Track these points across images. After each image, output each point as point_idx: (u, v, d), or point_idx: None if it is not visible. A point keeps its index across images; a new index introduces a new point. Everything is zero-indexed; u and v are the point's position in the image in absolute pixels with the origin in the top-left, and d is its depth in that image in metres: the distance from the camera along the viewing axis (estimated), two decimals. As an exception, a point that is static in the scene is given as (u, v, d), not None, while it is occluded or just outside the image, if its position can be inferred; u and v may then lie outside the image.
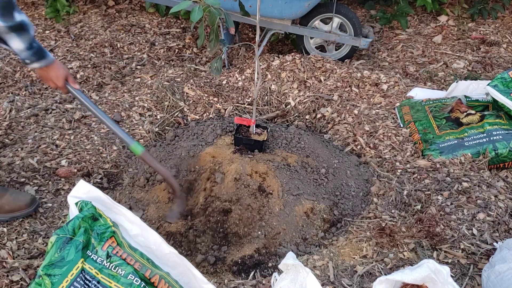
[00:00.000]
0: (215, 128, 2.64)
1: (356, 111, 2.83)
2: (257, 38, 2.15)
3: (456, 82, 2.87)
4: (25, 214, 2.08)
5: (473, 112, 2.60)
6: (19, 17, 1.64)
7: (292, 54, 3.28)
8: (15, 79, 3.13)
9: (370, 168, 2.47)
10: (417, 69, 3.41)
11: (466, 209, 2.11)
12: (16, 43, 1.68)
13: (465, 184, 2.24)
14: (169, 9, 3.92)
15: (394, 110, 2.83)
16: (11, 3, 1.61)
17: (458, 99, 2.68)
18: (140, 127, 2.73)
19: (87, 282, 1.40)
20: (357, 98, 2.95)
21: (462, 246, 1.96)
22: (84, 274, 1.40)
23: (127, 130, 2.70)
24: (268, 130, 2.49)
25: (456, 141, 2.47)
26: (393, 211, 2.15)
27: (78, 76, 3.22)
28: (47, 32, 3.71)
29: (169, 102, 2.93)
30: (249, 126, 2.44)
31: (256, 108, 2.94)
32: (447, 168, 2.35)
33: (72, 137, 2.60)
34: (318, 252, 2.01)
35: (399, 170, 2.39)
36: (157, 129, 2.76)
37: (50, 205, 2.19)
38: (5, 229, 2.00)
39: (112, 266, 1.42)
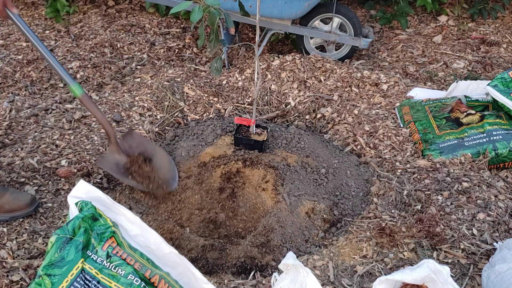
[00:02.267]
0: (215, 128, 2.64)
1: (356, 111, 2.83)
2: (257, 38, 2.15)
3: (456, 82, 2.87)
4: (25, 214, 2.07)
5: (473, 112, 2.60)
6: None
7: (292, 54, 3.28)
8: (15, 79, 3.13)
9: (370, 168, 2.47)
10: (417, 69, 3.41)
11: (466, 209, 2.11)
12: None
13: (465, 184, 2.24)
14: (169, 9, 3.93)
15: (394, 110, 2.83)
16: None
17: (458, 99, 2.68)
18: (140, 127, 2.73)
19: (87, 282, 1.40)
20: (357, 98, 2.95)
21: (462, 246, 1.96)
22: (84, 274, 1.40)
23: (127, 130, 2.70)
24: (268, 130, 2.49)
25: (456, 141, 2.47)
26: (393, 211, 2.15)
27: (78, 76, 3.22)
28: (47, 32, 3.71)
29: (169, 102, 2.93)
30: (249, 126, 2.44)
31: (256, 108, 2.94)
32: (447, 168, 2.35)
33: (72, 137, 2.60)
34: (318, 252, 2.01)
35: (399, 170, 2.39)
36: (157, 129, 2.76)
37: (50, 205, 2.19)
38: (5, 229, 2.00)
39: (112, 266, 1.42)
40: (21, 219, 2.07)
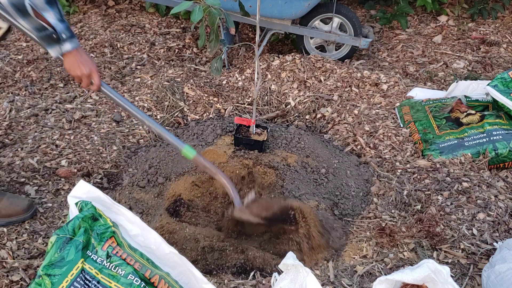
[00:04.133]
0: (215, 128, 2.64)
1: (356, 111, 2.83)
2: (257, 38, 2.15)
3: (456, 82, 2.87)
4: (22, 219, 2.04)
5: (473, 112, 2.60)
6: None
7: (292, 54, 3.28)
8: (15, 79, 3.13)
9: (370, 168, 2.47)
10: (417, 69, 3.41)
11: (466, 209, 2.11)
12: (51, 14, 1.56)
13: (465, 184, 2.24)
14: (169, 9, 3.93)
15: (394, 110, 2.83)
16: None
17: (458, 99, 2.68)
18: (140, 127, 2.73)
19: (87, 282, 1.40)
20: (357, 98, 2.95)
21: (462, 246, 1.96)
22: (84, 274, 1.40)
23: (127, 130, 2.70)
24: (268, 130, 2.49)
25: (456, 141, 2.47)
26: (393, 211, 2.15)
27: (78, 76, 3.22)
28: (47, 32, 3.70)
29: (169, 102, 2.93)
30: (249, 126, 2.44)
31: (256, 108, 2.94)
32: (447, 168, 2.35)
33: (72, 137, 2.60)
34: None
35: (399, 170, 2.39)
36: (157, 129, 2.76)
37: (50, 205, 2.19)
38: (5, 229, 2.00)
39: (112, 266, 1.42)
40: (21, 219, 2.08)
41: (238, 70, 3.21)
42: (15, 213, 2.02)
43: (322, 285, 1.77)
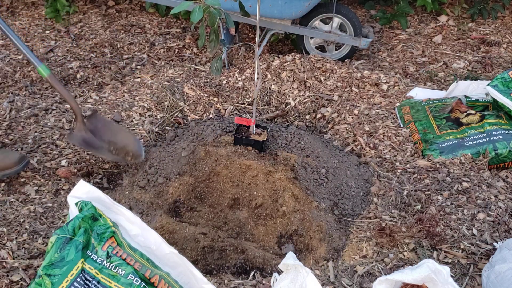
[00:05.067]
0: (215, 128, 2.64)
1: (356, 111, 2.83)
2: (257, 38, 2.15)
3: (456, 82, 2.87)
4: (15, 171, 2.18)
5: (473, 112, 2.60)
6: None
7: (292, 54, 3.28)
8: (15, 79, 3.13)
9: (370, 168, 2.47)
10: (417, 69, 3.41)
11: (466, 209, 2.11)
12: None
13: (465, 184, 2.24)
14: (169, 9, 3.92)
15: (394, 110, 2.83)
16: None
17: (458, 99, 2.69)
18: (140, 127, 2.73)
19: (87, 282, 1.40)
20: (357, 98, 2.95)
21: (462, 246, 1.96)
22: (84, 274, 1.40)
23: (127, 130, 2.70)
24: (268, 130, 2.49)
25: (456, 141, 2.47)
26: (393, 211, 2.15)
27: (78, 76, 3.22)
28: (47, 32, 3.71)
29: (169, 102, 2.93)
30: (249, 126, 2.44)
31: (256, 108, 2.94)
32: (447, 168, 2.35)
33: (72, 137, 2.60)
34: (318, 252, 2.01)
35: (399, 170, 2.39)
36: (157, 129, 2.77)
37: (50, 205, 2.19)
38: (5, 229, 2.01)
39: (112, 266, 1.42)
40: (21, 220, 2.08)
41: (238, 70, 3.21)
42: (8, 166, 2.17)
43: (322, 285, 1.77)
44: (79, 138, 2.23)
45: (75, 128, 2.25)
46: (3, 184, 2.28)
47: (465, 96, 2.71)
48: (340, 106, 2.89)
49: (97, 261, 1.42)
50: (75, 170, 2.39)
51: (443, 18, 4.08)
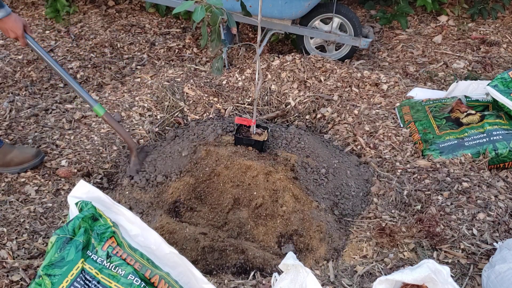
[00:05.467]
0: (216, 128, 2.64)
1: (356, 111, 2.83)
2: (259, 38, 2.15)
3: (456, 82, 2.87)
4: (32, 164, 2.34)
5: (473, 112, 2.60)
6: None
7: (292, 54, 3.28)
8: (15, 79, 3.13)
9: (370, 168, 2.47)
10: (417, 69, 3.41)
11: (466, 209, 2.11)
12: None
13: (465, 184, 2.24)
14: (169, 9, 3.93)
15: (394, 110, 2.83)
16: None
17: (458, 99, 2.69)
18: (140, 127, 2.73)
19: (87, 282, 1.40)
20: (357, 98, 2.95)
21: (462, 246, 1.96)
22: (84, 274, 1.40)
23: (127, 130, 2.70)
24: (269, 130, 2.49)
25: (456, 141, 2.47)
26: (393, 211, 2.15)
27: (78, 76, 3.22)
28: (47, 32, 3.71)
29: (169, 102, 2.93)
30: (249, 126, 2.44)
31: (256, 108, 2.94)
32: (447, 168, 2.35)
33: (72, 137, 2.60)
34: (318, 252, 2.01)
35: (399, 170, 2.39)
36: (157, 129, 2.77)
37: (50, 205, 2.19)
38: (5, 229, 2.01)
39: (112, 266, 1.42)
40: (21, 220, 2.08)
41: (238, 70, 3.21)
42: (26, 160, 2.33)
43: (322, 285, 1.77)
44: (135, 171, 2.38)
45: (131, 162, 2.40)
46: (3, 184, 2.28)
47: (465, 96, 2.71)
48: (340, 106, 2.89)
49: (97, 261, 1.42)
50: (75, 170, 2.39)
51: (443, 18, 4.08)
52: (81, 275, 1.40)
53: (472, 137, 2.46)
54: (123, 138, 2.41)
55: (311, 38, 3.37)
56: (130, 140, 2.40)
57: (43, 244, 1.97)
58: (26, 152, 2.34)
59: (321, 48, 3.47)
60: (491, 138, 2.42)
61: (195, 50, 3.61)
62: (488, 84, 2.61)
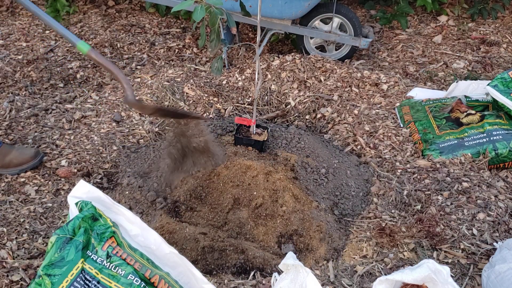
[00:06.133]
0: (216, 128, 2.64)
1: (356, 111, 2.83)
2: (258, 38, 2.15)
3: (456, 82, 2.87)
4: (31, 165, 2.33)
5: (473, 112, 2.60)
6: None
7: (292, 54, 3.28)
8: (15, 79, 3.13)
9: (370, 168, 2.47)
10: (417, 69, 3.41)
11: (466, 209, 2.11)
12: None
13: (465, 184, 2.24)
14: (169, 9, 3.93)
15: (394, 110, 2.83)
16: None
17: (458, 99, 2.69)
18: (140, 127, 2.73)
19: (87, 282, 1.40)
20: (357, 98, 2.95)
21: (462, 246, 1.96)
22: (84, 274, 1.40)
23: (127, 130, 2.70)
24: (269, 130, 2.49)
25: (456, 141, 2.47)
26: (393, 211, 2.15)
27: (78, 76, 3.22)
28: (47, 32, 3.71)
29: (169, 102, 2.93)
30: (249, 126, 2.44)
31: (256, 108, 2.94)
32: (447, 168, 2.35)
33: (72, 137, 2.60)
34: (318, 252, 2.01)
35: (399, 170, 2.39)
36: (157, 129, 2.77)
37: (50, 205, 2.19)
38: (5, 229, 2.01)
39: (112, 266, 1.42)
40: (21, 220, 2.08)
41: (238, 70, 3.21)
42: (25, 160, 2.32)
43: (322, 285, 1.77)
44: (133, 100, 2.11)
45: (126, 93, 2.11)
46: (3, 184, 2.28)
47: (465, 96, 2.71)
48: (340, 106, 2.89)
49: (97, 261, 1.42)
50: (75, 170, 2.39)
51: (443, 18, 4.08)
52: (81, 275, 1.40)
53: (472, 137, 2.46)
54: (114, 75, 2.10)
55: (311, 38, 3.38)
56: (122, 76, 2.08)
57: (43, 244, 1.97)
58: (25, 153, 2.34)
59: (321, 48, 3.47)
60: (491, 138, 2.42)
61: (195, 50, 3.61)
62: (488, 84, 2.62)
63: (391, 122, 2.72)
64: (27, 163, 2.33)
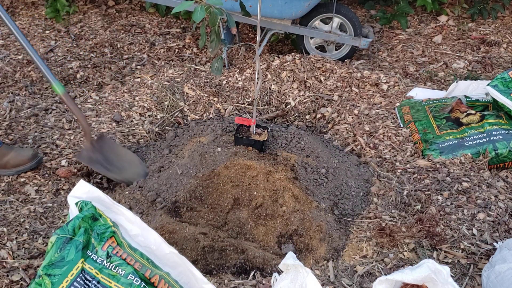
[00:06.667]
0: (215, 128, 2.64)
1: (356, 111, 2.83)
2: (258, 38, 2.15)
3: (456, 82, 2.87)
4: (28, 167, 2.32)
5: (473, 112, 2.60)
6: None
7: (292, 54, 3.28)
8: (15, 79, 3.13)
9: (370, 168, 2.47)
10: (417, 69, 3.42)
11: (466, 209, 2.12)
12: None
13: (465, 184, 2.24)
14: (169, 9, 3.93)
15: (394, 110, 2.83)
16: None
17: (458, 99, 2.69)
18: (140, 127, 2.73)
19: (87, 282, 1.40)
20: (357, 98, 2.96)
21: (462, 246, 1.96)
22: (84, 274, 1.40)
23: (127, 130, 2.70)
24: (269, 130, 2.49)
25: (456, 141, 2.48)
26: (393, 211, 2.15)
27: (78, 76, 3.22)
28: (47, 32, 3.71)
29: (169, 102, 2.93)
30: (249, 126, 2.44)
31: (256, 108, 2.94)
32: (447, 168, 2.35)
33: (72, 137, 2.60)
34: (318, 252, 2.01)
35: (399, 170, 2.39)
36: (157, 129, 2.77)
37: (50, 205, 2.19)
38: (5, 229, 2.01)
39: (112, 266, 1.42)
40: (21, 220, 2.08)
41: (238, 70, 3.21)
42: (22, 162, 2.31)
43: (322, 285, 1.77)
44: (87, 157, 2.32)
45: (85, 147, 2.34)
46: (3, 184, 2.28)
47: (465, 96, 2.71)
48: (340, 106, 2.89)
49: (97, 261, 1.42)
50: (75, 170, 2.39)
51: (443, 18, 4.08)
52: (81, 275, 1.40)
53: (472, 137, 2.46)
54: (80, 121, 2.28)
55: (311, 38, 3.38)
56: (85, 124, 2.28)
57: (43, 244, 1.97)
58: (23, 154, 2.32)
59: (321, 48, 3.47)
60: (491, 138, 2.42)
61: (195, 50, 3.62)
62: (488, 84, 2.62)
63: (391, 122, 2.72)
64: (24, 165, 2.31)
